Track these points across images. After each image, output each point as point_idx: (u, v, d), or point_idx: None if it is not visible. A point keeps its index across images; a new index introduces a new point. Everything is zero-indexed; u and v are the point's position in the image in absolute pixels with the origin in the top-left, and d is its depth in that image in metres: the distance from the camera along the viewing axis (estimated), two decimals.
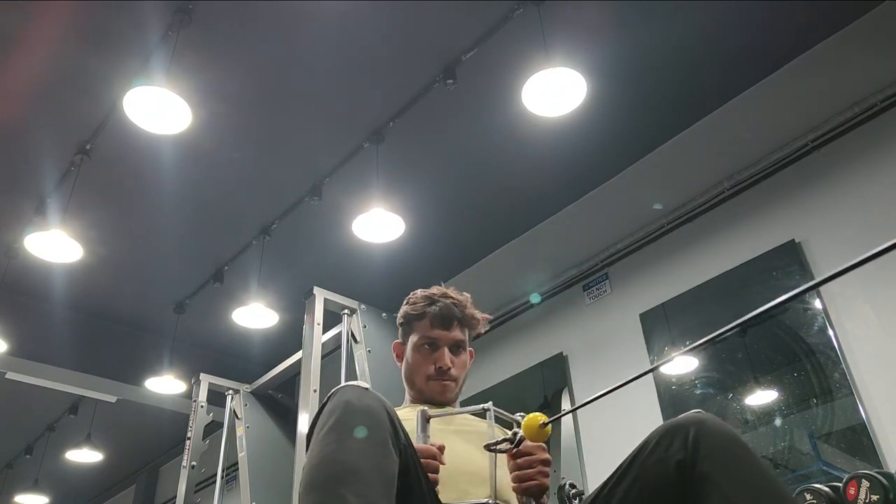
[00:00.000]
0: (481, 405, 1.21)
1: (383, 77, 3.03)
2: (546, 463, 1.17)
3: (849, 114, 2.69)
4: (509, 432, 1.20)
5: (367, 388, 1.00)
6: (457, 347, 1.45)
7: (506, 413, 1.25)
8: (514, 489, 1.15)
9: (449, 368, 1.41)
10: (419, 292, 1.50)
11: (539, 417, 1.06)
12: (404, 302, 1.51)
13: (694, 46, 2.91)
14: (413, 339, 1.46)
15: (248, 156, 3.41)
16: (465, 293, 1.52)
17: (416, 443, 1.09)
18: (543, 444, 1.15)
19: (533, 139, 3.23)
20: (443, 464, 1.10)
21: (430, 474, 1.05)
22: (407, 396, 1.50)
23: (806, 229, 2.71)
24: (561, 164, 3.44)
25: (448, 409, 1.37)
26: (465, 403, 1.53)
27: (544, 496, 1.19)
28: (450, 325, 1.43)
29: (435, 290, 1.49)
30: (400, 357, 1.52)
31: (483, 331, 1.53)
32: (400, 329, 1.52)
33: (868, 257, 0.59)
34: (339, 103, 3.16)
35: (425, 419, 1.17)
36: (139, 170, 3.41)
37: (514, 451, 1.15)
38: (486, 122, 3.21)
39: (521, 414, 1.19)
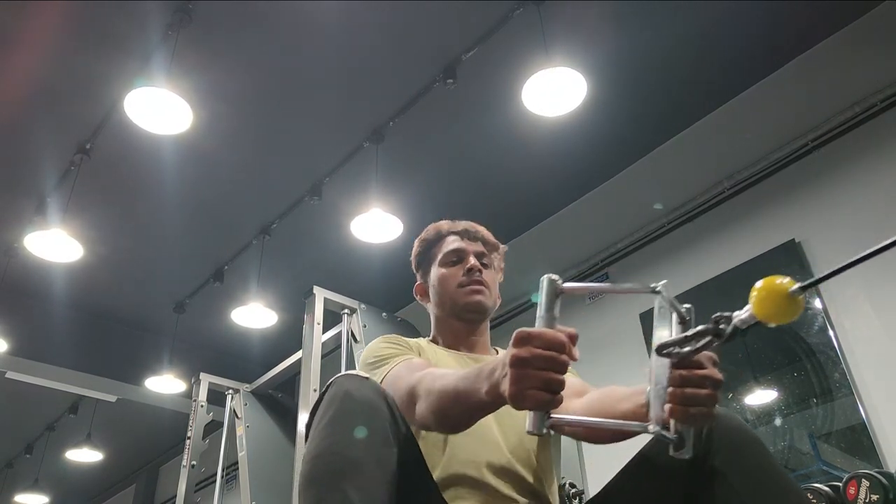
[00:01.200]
0: (650, 286, 0.80)
1: (383, 77, 3.03)
2: (719, 385, 0.78)
3: (849, 114, 2.69)
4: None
5: (366, 378, 0.98)
6: (483, 259, 1.37)
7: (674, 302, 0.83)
8: (673, 413, 0.77)
9: (480, 270, 1.32)
10: (429, 226, 1.43)
11: (785, 283, 0.64)
12: (416, 243, 1.44)
13: (694, 46, 2.91)
14: (436, 261, 1.37)
15: (248, 156, 3.41)
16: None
17: (540, 325, 0.77)
18: (715, 357, 0.80)
19: (533, 139, 3.23)
20: (574, 359, 0.76)
21: (553, 376, 0.73)
22: (433, 330, 1.39)
23: (806, 229, 2.71)
24: (561, 164, 3.44)
25: (584, 285, 1.07)
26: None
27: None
28: (474, 239, 1.38)
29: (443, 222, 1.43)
30: (423, 294, 1.42)
31: (500, 264, 1.43)
32: (419, 270, 1.44)
33: (866, 255, 0.59)
34: (339, 103, 3.16)
35: (555, 293, 0.78)
36: (139, 169, 3.41)
37: (685, 358, 0.77)
38: (486, 121, 3.21)
39: (688, 306, 0.82)
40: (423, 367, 1.08)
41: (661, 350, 0.76)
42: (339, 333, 3.40)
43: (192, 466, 3.74)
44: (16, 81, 2.95)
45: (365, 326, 3.36)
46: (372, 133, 3.25)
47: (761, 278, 0.68)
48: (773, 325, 0.67)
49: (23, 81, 2.96)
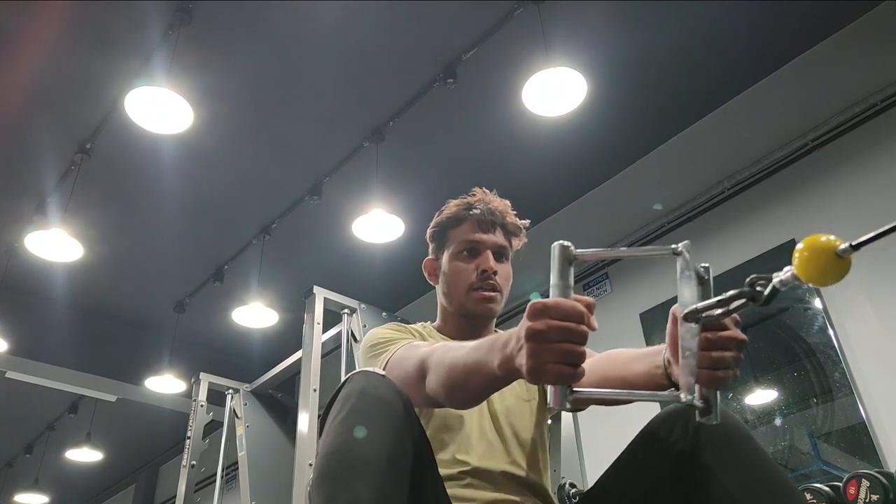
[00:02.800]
0: (671, 246, 0.76)
1: (383, 77, 3.03)
2: (743, 345, 0.78)
3: (849, 114, 2.69)
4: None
5: (382, 376, 0.97)
6: (500, 254, 1.29)
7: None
8: (702, 378, 0.73)
9: (494, 273, 1.26)
10: (453, 202, 1.34)
11: (828, 241, 0.61)
12: (436, 215, 1.35)
13: (694, 46, 2.92)
14: (450, 248, 1.30)
15: (249, 155, 3.41)
16: (504, 200, 1.36)
17: (554, 294, 0.73)
18: (737, 318, 0.78)
19: (533, 139, 3.23)
20: (594, 329, 0.72)
21: (574, 348, 0.70)
22: (438, 318, 1.35)
23: (806, 229, 2.70)
24: (561, 164, 3.44)
25: (598, 251, 0.81)
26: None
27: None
28: (492, 229, 1.29)
29: (474, 192, 1.34)
30: (433, 274, 1.35)
31: (521, 246, 1.36)
32: (432, 244, 1.36)
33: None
34: (339, 103, 3.16)
35: (568, 260, 0.75)
36: (139, 169, 3.41)
37: (714, 321, 0.73)
38: (487, 121, 3.21)
39: (706, 265, 0.78)
40: (427, 347, 1.06)
41: (692, 316, 0.72)
42: (339, 333, 3.40)
43: (192, 466, 3.74)
44: (16, 81, 2.95)
45: (365, 326, 3.36)
46: (372, 133, 3.25)
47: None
48: (817, 286, 0.67)
49: (23, 81, 2.96)
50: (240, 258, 4.05)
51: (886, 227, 0.62)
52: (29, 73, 2.92)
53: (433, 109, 3.13)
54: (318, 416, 2.76)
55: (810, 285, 0.63)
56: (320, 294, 3.35)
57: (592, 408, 1.04)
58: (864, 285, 2.45)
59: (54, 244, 3.30)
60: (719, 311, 0.70)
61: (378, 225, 3.25)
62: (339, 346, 3.39)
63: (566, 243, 0.76)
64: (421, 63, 2.96)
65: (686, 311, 0.72)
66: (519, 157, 3.38)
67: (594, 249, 0.78)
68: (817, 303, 2.55)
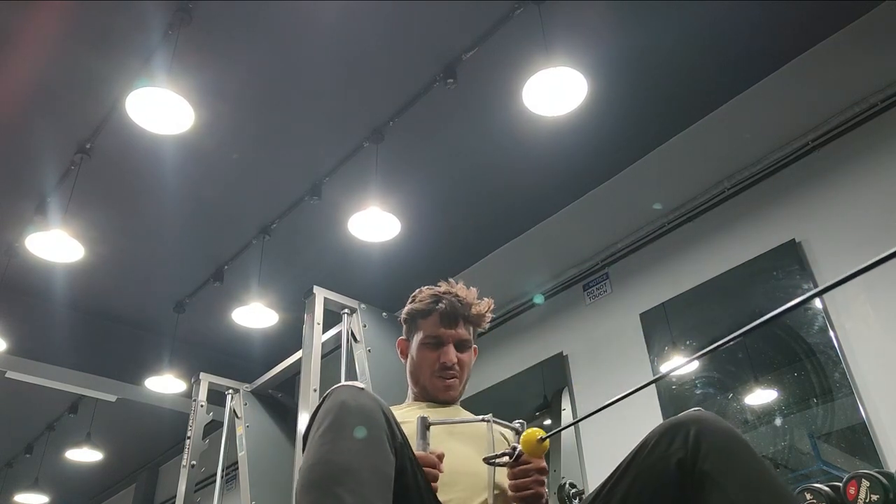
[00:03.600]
0: (481, 416, 1.22)
1: (383, 77, 3.03)
2: (542, 472, 1.18)
3: (849, 114, 2.69)
4: (510, 435, 1.21)
5: (362, 388, 1.00)
6: (462, 345, 1.44)
7: (505, 423, 1.26)
8: (512, 498, 1.17)
9: (454, 365, 1.41)
10: (425, 290, 1.49)
11: (537, 433, 1.08)
12: (409, 299, 1.50)
13: (694, 46, 2.92)
14: (418, 336, 1.45)
15: (248, 155, 3.41)
16: (471, 288, 1.50)
17: (416, 450, 1.09)
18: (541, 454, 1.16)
19: (533, 139, 3.23)
20: (441, 472, 1.11)
21: (430, 482, 1.06)
22: (409, 394, 1.49)
23: (806, 229, 2.71)
24: (561, 164, 3.44)
25: (447, 417, 1.36)
26: (465, 402, 1.53)
27: (542, 502, 1.20)
28: (455, 324, 1.43)
29: (442, 286, 1.48)
30: (404, 354, 1.51)
31: (486, 327, 1.52)
32: (404, 326, 1.51)
33: (874, 262, 0.59)
34: (339, 103, 3.16)
35: (425, 427, 1.16)
36: (139, 169, 3.41)
37: (517, 461, 1.16)
38: (487, 121, 3.21)
39: (521, 422, 1.22)
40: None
41: (487, 461, 1.17)
42: (339, 333, 3.41)
43: (192, 466, 3.75)
44: (16, 81, 2.95)
45: (365, 326, 3.37)
46: (372, 133, 3.25)
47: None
48: (532, 457, 1.14)
49: (23, 81, 2.96)
50: (240, 258, 4.05)
51: (581, 417, 1.17)
52: (29, 73, 2.92)
53: (433, 109, 3.13)
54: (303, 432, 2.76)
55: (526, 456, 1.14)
56: (320, 294, 3.36)
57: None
58: (864, 285, 2.45)
59: (54, 244, 3.31)
60: (504, 458, 1.15)
61: (378, 225, 3.25)
62: (339, 346, 3.40)
63: (425, 415, 1.18)
64: (421, 63, 2.96)
65: (483, 458, 1.17)
66: (519, 157, 3.38)
67: (445, 419, 1.30)
68: (817, 303, 2.54)
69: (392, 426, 0.97)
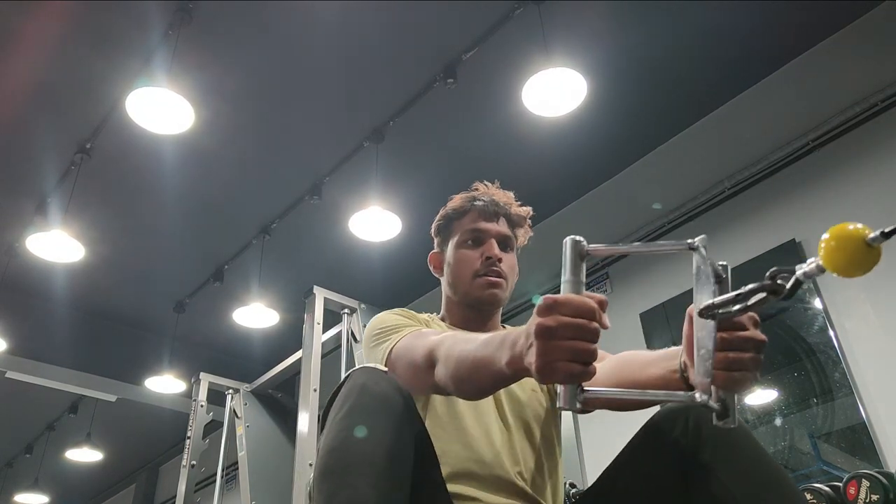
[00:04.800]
0: (686, 241, 0.76)
1: (383, 77, 3.03)
2: (762, 347, 0.76)
3: (849, 113, 2.69)
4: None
5: (383, 372, 0.98)
6: (504, 243, 1.29)
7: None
8: (717, 379, 0.73)
9: (499, 259, 1.25)
10: (457, 195, 1.35)
11: (856, 229, 0.57)
12: (441, 209, 1.37)
13: (694, 46, 2.92)
14: (455, 238, 1.30)
15: (249, 155, 3.41)
16: (507, 192, 1.37)
17: (565, 290, 0.72)
18: (757, 318, 0.77)
19: (533, 139, 3.23)
20: (606, 327, 0.71)
21: (585, 346, 0.68)
22: (443, 309, 1.34)
23: (806, 229, 2.71)
24: (561, 164, 3.44)
25: (611, 247, 0.82)
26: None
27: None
28: (496, 218, 1.29)
29: (477, 187, 1.35)
30: (438, 267, 1.35)
31: (526, 239, 1.36)
32: (437, 238, 1.37)
33: None
34: (339, 102, 3.16)
35: (579, 254, 0.75)
36: (140, 169, 3.41)
37: (727, 320, 0.72)
38: (487, 121, 3.21)
39: (724, 263, 0.77)
40: (436, 335, 1.04)
41: (707, 312, 0.68)
42: (339, 333, 3.40)
43: (192, 466, 3.74)
44: (16, 81, 2.95)
45: (365, 326, 3.36)
46: (372, 133, 3.25)
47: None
48: (845, 276, 0.60)
49: (23, 81, 2.96)
50: (240, 258, 4.05)
51: None
52: (29, 73, 2.92)
53: (433, 109, 3.13)
54: (319, 414, 2.77)
55: (837, 276, 0.59)
56: (320, 294, 3.35)
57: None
58: (864, 285, 2.45)
59: (55, 245, 3.31)
60: (737, 306, 0.66)
61: (378, 225, 3.25)
62: (339, 346, 3.39)
63: (578, 238, 0.76)
64: (421, 63, 2.96)
65: (702, 306, 0.69)
66: (519, 157, 3.38)
67: (607, 245, 0.77)
68: (817, 303, 2.55)
69: (412, 413, 0.95)
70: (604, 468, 1.08)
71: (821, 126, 2.76)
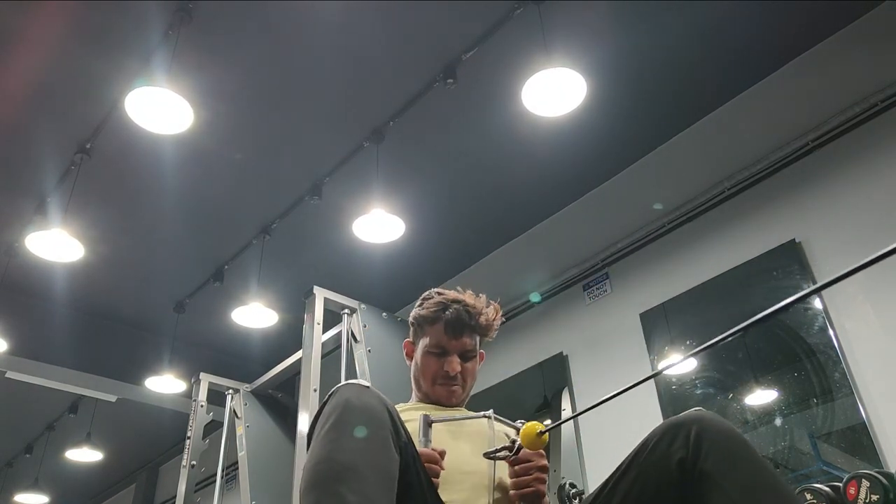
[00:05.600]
0: (482, 413, 1.23)
1: (383, 77, 3.03)
2: (543, 469, 1.18)
3: (849, 113, 2.69)
4: (511, 433, 1.21)
5: (367, 387, 1.00)
6: (466, 355, 1.42)
7: (506, 420, 1.27)
8: (513, 496, 1.18)
9: (457, 375, 1.40)
10: (434, 295, 1.46)
11: (537, 426, 1.08)
12: (417, 302, 1.48)
13: (694, 46, 2.92)
14: (424, 342, 1.43)
15: (249, 155, 3.41)
16: (481, 296, 1.48)
17: (419, 446, 1.08)
18: (542, 451, 1.16)
19: (533, 139, 3.23)
20: (443, 469, 1.11)
21: (431, 478, 1.06)
22: (413, 396, 1.49)
23: (806, 229, 2.71)
24: (561, 164, 3.44)
25: (449, 414, 1.36)
26: (468, 402, 1.53)
27: (542, 501, 1.20)
28: (461, 334, 1.40)
29: (450, 294, 1.45)
30: (410, 356, 1.49)
31: (494, 336, 1.49)
32: (411, 328, 1.50)
33: (873, 260, 0.59)
34: (339, 103, 3.16)
35: (427, 424, 1.16)
36: (139, 169, 3.41)
37: (513, 458, 1.17)
38: (487, 121, 3.21)
39: (521, 421, 1.19)
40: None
41: (487, 456, 1.18)
42: (339, 333, 3.40)
43: (192, 466, 3.74)
44: (16, 81, 2.95)
45: (365, 326, 3.36)
46: (372, 133, 3.25)
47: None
48: (530, 450, 1.14)
49: (23, 81, 2.96)
50: (240, 258, 4.05)
51: (582, 409, 1.16)
52: (29, 73, 2.92)
53: (433, 109, 3.13)
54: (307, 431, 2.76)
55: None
56: (320, 294, 3.36)
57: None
58: (864, 285, 2.45)
59: (54, 244, 3.31)
60: (503, 452, 1.17)
61: (378, 225, 3.25)
62: (339, 347, 3.40)
63: (427, 413, 1.19)
64: (421, 63, 2.96)
65: (483, 453, 1.19)
66: (519, 157, 3.38)
67: (447, 416, 1.31)
68: (817, 303, 2.55)
69: (396, 424, 0.96)
70: (603, 469, 1.08)
71: (821, 126, 2.76)
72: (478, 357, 1.47)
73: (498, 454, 1.16)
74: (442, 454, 1.12)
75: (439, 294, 1.46)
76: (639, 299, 3.20)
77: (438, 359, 1.40)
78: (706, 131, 3.22)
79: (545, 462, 1.19)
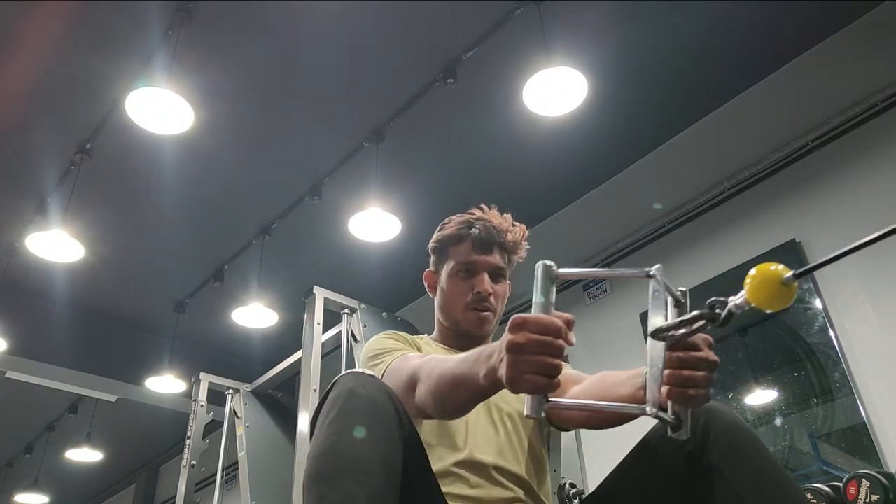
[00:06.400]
0: (643, 269, 0.79)
1: (383, 77, 3.03)
2: (714, 367, 0.80)
3: (849, 114, 2.69)
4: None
5: (371, 376, 0.98)
6: (496, 274, 1.31)
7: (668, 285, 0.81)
8: (670, 395, 0.78)
9: (489, 295, 1.28)
10: (455, 217, 1.36)
11: (778, 270, 0.66)
12: (438, 228, 1.37)
13: (694, 46, 2.92)
14: (449, 265, 1.32)
15: (249, 155, 3.41)
16: (506, 214, 1.38)
17: (535, 310, 0.79)
18: (711, 340, 0.82)
19: (533, 139, 3.23)
20: (571, 344, 0.78)
21: (550, 360, 0.74)
22: (437, 331, 1.38)
23: (806, 229, 2.71)
24: (561, 164, 3.44)
25: (579, 270, 0.94)
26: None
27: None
28: (490, 250, 1.30)
29: (475, 212, 1.36)
30: (432, 287, 1.38)
31: (524, 256, 1.37)
32: (432, 256, 1.38)
33: (863, 244, 0.60)
34: (339, 103, 3.16)
35: (550, 278, 0.81)
36: (140, 169, 3.41)
37: (681, 341, 0.78)
38: (487, 121, 3.21)
39: (683, 289, 0.81)
40: (419, 359, 1.09)
41: (657, 334, 0.76)
42: (339, 333, 3.40)
43: (192, 466, 3.74)
44: (16, 81, 2.95)
45: (365, 326, 3.36)
46: (372, 133, 3.25)
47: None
48: (766, 310, 0.68)
49: (23, 81, 2.96)
50: (240, 258, 4.05)
51: (826, 258, 0.68)
52: (29, 73, 2.92)
53: (433, 109, 3.13)
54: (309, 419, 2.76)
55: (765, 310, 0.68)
56: (320, 294, 3.35)
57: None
58: (864, 285, 2.45)
59: (55, 244, 3.30)
60: (682, 330, 0.74)
61: (378, 225, 3.25)
62: (339, 347, 3.39)
63: (549, 263, 0.82)
64: (421, 63, 2.96)
65: (652, 329, 0.77)
66: (519, 157, 3.38)
67: (576, 269, 0.87)
68: (817, 303, 2.55)
69: (400, 415, 0.95)
70: (604, 468, 1.08)
71: (821, 126, 2.76)
72: (507, 283, 1.35)
73: (674, 330, 0.75)
74: (569, 323, 0.80)
75: (461, 215, 1.36)
76: (639, 299, 3.20)
77: (467, 280, 1.29)
78: (706, 131, 3.22)
79: (716, 357, 0.81)
